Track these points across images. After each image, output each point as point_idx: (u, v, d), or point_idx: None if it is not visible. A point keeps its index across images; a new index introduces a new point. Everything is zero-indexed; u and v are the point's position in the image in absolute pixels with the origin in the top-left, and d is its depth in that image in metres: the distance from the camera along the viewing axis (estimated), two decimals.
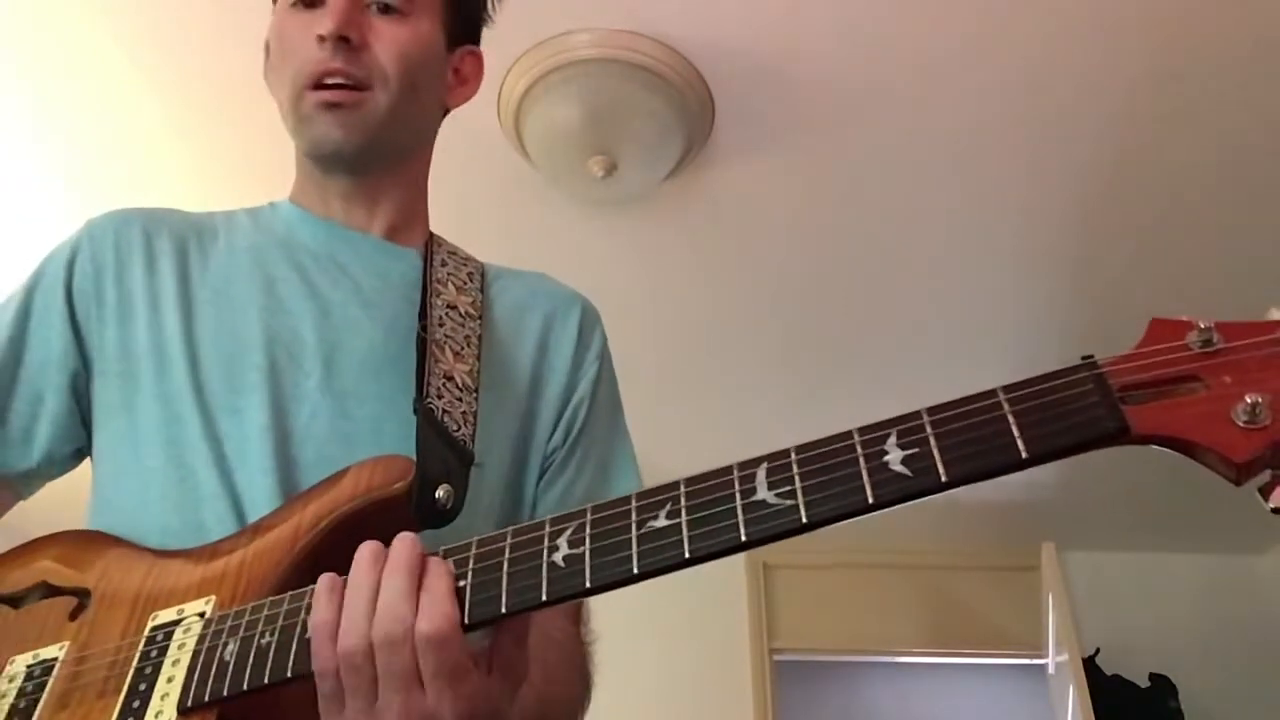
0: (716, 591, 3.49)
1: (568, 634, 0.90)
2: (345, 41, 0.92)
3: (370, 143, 0.94)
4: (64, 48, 1.99)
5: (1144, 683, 3.42)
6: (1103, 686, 3.32)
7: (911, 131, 2.18)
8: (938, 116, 2.14)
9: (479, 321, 0.96)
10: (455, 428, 0.85)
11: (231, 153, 2.21)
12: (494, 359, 0.95)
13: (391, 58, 0.94)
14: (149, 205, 1.01)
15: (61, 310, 0.92)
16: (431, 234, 1.05)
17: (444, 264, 1.00)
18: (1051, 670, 3.44)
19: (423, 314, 0.93)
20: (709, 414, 3.05)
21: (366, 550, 0.66)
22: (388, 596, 0.62)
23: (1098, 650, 3.43)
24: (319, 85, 0.92)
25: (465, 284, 0.99)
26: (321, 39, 0.92)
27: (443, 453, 0.82)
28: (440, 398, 0.87)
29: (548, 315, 1.02)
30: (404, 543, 0.66)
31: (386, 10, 0.95)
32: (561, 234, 2.40)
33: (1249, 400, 0.51)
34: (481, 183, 2.24)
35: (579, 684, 0.90)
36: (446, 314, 0.94)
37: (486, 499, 0.90)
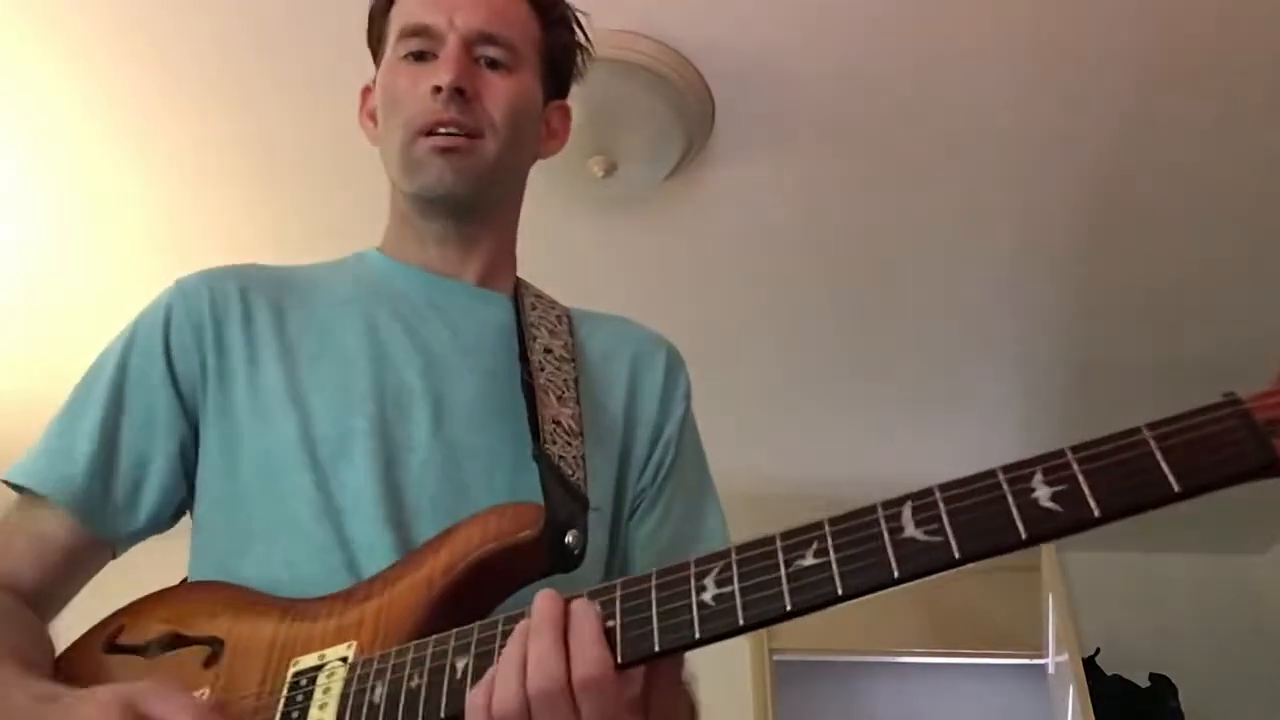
0: None
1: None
2: (460, 93, 0.95)
3: (479, 188, 0.98)
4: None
5: (1144, 683, 3.42)
6: (1103, 686, 3.32)
7: (911, 132, 2.18)
8: (937, 117, 2.14)
9: (573, 364, 0.98)
10: (571, 473, 0.86)
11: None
12: (590, 403, 0.97)
13: (501, 109, 0.98)
14: (239, 264, 1.01)
15: (163, 372, 0.92)
16: (518, 279, 1.07)
17: (534, 308, 1.03)
18: (1051, 670, 3.44)
19: (524, 358, 0.95)
20: (707, 414, 3.04)
21: (518, 630, 0.65)
22: (536, 655, 0.62)
23: (1098, 650, 3.43)
24: (432, 133, 0.95)
25: (556, 327, 1.02)
26: (437, 90, 0.95)
27: (565, 498, 0.83)
28: (554, 443, 0.88)
29: (634, 358, 1.04)
30: (545, 600, 0.65)
31: (494, 65, 0.99)
32: (561, 234, 2.40)
33: None
34: None
35: None
36: (545, 358, 0.97)
37: (596, 542, 0.91)
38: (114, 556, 0.92)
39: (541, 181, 2.25)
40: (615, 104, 2.06)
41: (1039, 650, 3.49)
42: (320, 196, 2.24)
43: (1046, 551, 3.44)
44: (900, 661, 4.02)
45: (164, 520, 0.93)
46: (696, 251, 2.51)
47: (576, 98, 2.04)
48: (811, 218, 2.41)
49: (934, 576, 0.58)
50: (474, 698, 0.64)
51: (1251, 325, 2.64)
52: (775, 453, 3.23)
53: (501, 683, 0.63)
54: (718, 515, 1.03)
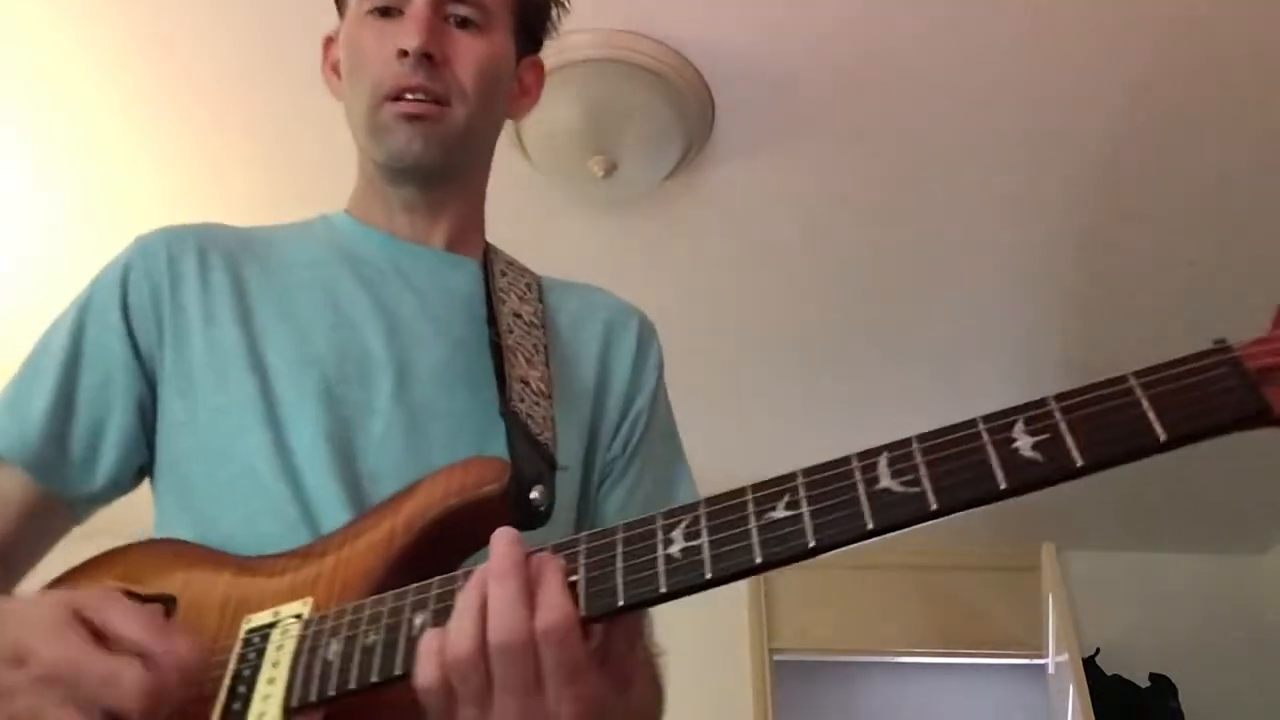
0: (717, 591, 3.45)
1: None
2: (428, 58, 0.92)
3: (447, 156, 0.95)
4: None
5: (1144, 683, 3.42)
6: (1103, 686, 3.32)
7: (910, 131, 2.18)
8: (937, 116, 2.14)
9: (543, 330, 0.96)
10: (538, 431, 0.85)
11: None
12: (559, 368, 0.95)
13: (471, 74, 0.94)
14: (201, 223, 0.99)
15: (119, 330, 0.90)
16: (487, 244, 1.05)
17: (503, 274, 1.00)
18: (1051, 670, 3.44)
19: (492, 320, 0.94)
20: (708, 413, 3.05)
21: (475, 576, 0.63)
22: (500, 603, 0.60)
23: (1098, 650, 3.43)
24: (399, 98, 0.92)
25: (525, 294, 1.00)
26: (404, 53, 0.91)
27: (531, 455, 0.82)
28: (522, 401, 0.86)
29: (607, 326, 1.02)
30: (506, 543, 0.62)
31: (464, 24, 0.95)
32: (561, 234, 2.40)
33: None
34: None
35: (657, 698, 0.89)
36: (514, 321, 0.95)
37: (564, 505, 0.89)
38: (76, 520, 0.90)
39: (541, 181, 2.27)
40: (615, 104, 2.06)
41: (1039, 650, 3.49)
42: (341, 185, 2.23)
43: (1046, 551, 3.44)
44: (900, 661, 4.02)
45: (124, 481, 0.91)
46: (696, 251, 2.51)
47: (576, 98, 2.07)
48: (811, 217, 2.41)
49: (910, 529, 0.56)
50: (427, 642, 0.61)
51: (1254, 324, 2.63)
52: (773, 452, 3.23)
53: (457, 627, 0.60)
54: (689, 486, 1.01)
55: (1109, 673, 3.41)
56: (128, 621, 0.66)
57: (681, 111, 2.07)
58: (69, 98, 2.09)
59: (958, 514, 0.55)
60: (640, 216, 2.40)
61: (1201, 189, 2.30)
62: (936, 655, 3.77)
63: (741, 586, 3.56)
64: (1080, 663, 3.18)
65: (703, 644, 3.46)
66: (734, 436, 3.07)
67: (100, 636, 0.65)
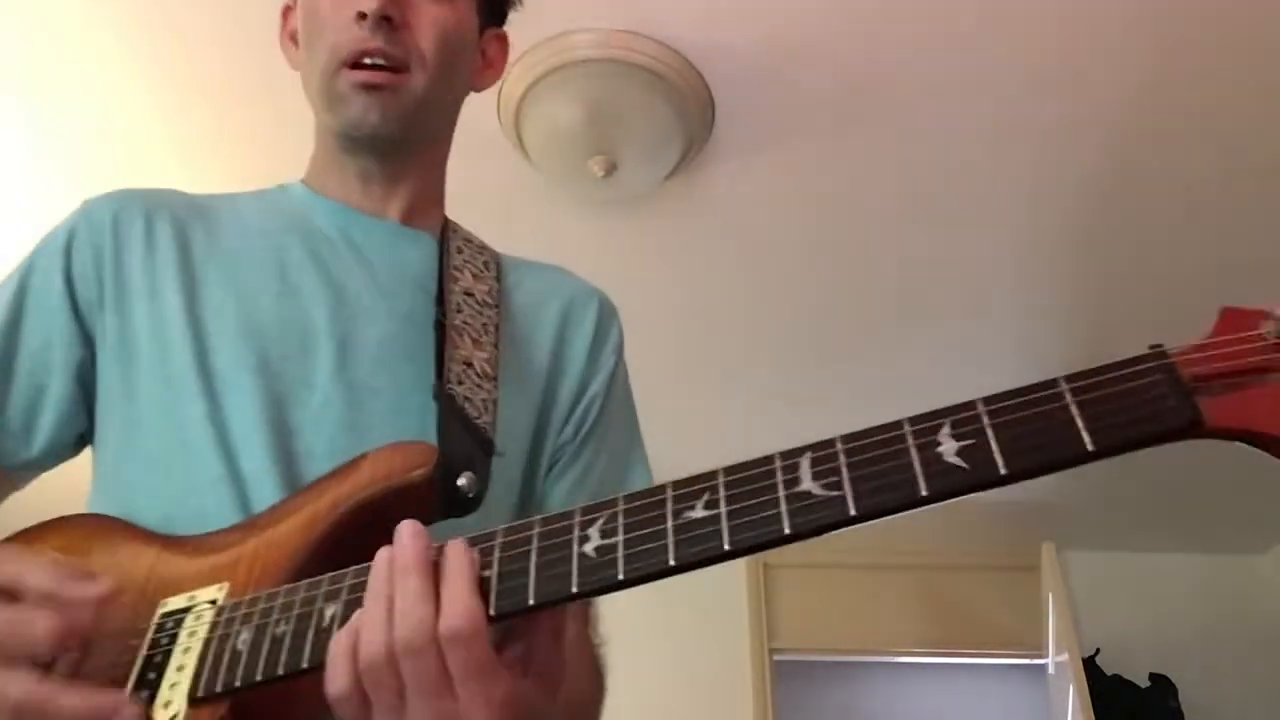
0: (717, 591, 3.49)
1: (579, 635, 0.86)
2: (387, 21, 0.89)
3: (404, 126, 0.92)
4: (53, 31, 1.99)
5: (1144, 683, 3.43)
6: (1103, 686, 3.33)
7: (911, 131, 2.18)
8: (937, 116, 2.14)
9: (496, 310, 0.94)
10: (476, 415, 0.83)
11: (219, 137, 2.21)
12: (511, 349, 0.93)
13: (431, 40, 0.92)
14: (148, 187, 0.97)
15: (61, 296, 0.89)
16: (446, 219, 1.03)
17: (460, 250, 0.98)
18: (1051, 670, 3.44)
19: (440, 299, 0.91)
20: (708, 413, 3.05)
21: (382, 557, 0.61)
22: (403, 601, 0.59)
23: (1098, 650, 3.43)
24: (356, 64, 0.90)
25: (481, 272, 0.97)
26: (362, 16, 0.89)
27: (464, 440, 0.79)
28: (460, 384, 0.84)
29: (565, 307, 0.99)
30: (410, 537, 0.61)
31: None
32: (561, 234, 2.40)
33: None
34: (481, 183, 2.23)
35: (595, 688, 0.87)
36: (464, 300, 0.92)
37: (503, 492, 0.87)
38: (15, 487, 0.90)
39: (541, 181, 2.27)
40: (615, 104, 2.06)
41: (1039, 650, 3.49)
42: None
43: (1046, 551, 3.44)
44: (900, 661, 4.02)
45: (64, 448, 0.89)
46: (696, 251, 2.51)
47: (576, 98, 2.07)
48: (811, 217, 2.41)
49: (831, 534, 0.54)
50: (338, 643, 0.60)
51: None
52: (772, 450, 3.23)
53: (369, 630, 0.59)
54: (644, 477, 0.98)
55: (1109, 673, 3.42)
56: (36, 574, 0.65)
57: (681, 111, 2.07)
58: (91, 81, 2.08)
59: (879, 519, 0.54)
60: (640, 216, 2.40)
61: (1205, 189, 2.30)
62: (936, 655, 3.77)
63: (742, 586, 3.57)
64: (1080, 663, 3.18)
65: (703, 643, 3.47)
66: (732, 435, 3.07)
67: (14, 594, 0.65)
